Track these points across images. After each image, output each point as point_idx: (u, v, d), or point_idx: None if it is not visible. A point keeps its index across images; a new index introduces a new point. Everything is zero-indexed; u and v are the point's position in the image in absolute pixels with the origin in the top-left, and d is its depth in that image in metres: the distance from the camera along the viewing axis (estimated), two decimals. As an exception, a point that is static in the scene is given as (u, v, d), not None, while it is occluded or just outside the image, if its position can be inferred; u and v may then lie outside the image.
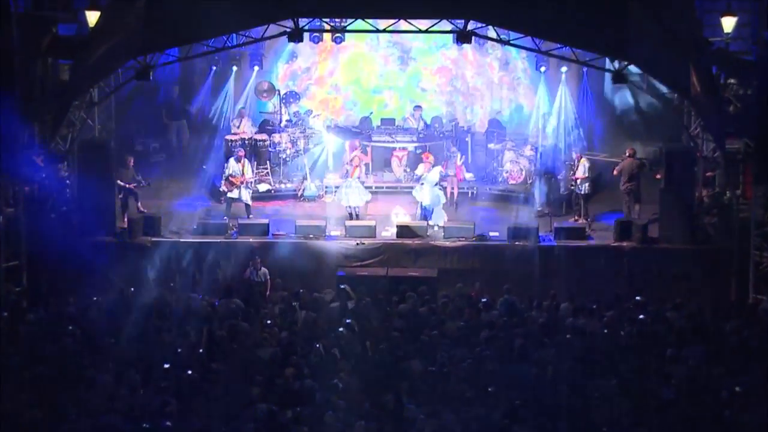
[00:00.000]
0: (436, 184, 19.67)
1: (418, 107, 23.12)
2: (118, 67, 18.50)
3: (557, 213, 20.13)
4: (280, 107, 22.96)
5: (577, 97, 22.85)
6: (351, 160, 20.42)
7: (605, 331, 14.91)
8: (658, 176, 19.46)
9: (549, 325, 15.03)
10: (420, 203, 19.76)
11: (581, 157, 20.14)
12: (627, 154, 19.59)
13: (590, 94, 22.90)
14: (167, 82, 23.25)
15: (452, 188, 20.66)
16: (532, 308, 15.95)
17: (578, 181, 19.88)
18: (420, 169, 20.16)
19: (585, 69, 21.94)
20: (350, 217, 19.67)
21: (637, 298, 16.34)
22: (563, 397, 12.44)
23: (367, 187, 20.37)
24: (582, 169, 19.84)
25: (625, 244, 18.36)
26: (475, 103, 24.16)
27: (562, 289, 16.97)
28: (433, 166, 19.99)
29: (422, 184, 19.76)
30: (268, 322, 14.98)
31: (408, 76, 24.33)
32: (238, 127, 22.30)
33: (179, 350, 13.83)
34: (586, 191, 19.89)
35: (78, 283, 16.73)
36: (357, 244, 18.54)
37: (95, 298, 16.11)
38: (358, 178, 20.12)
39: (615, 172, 19.74)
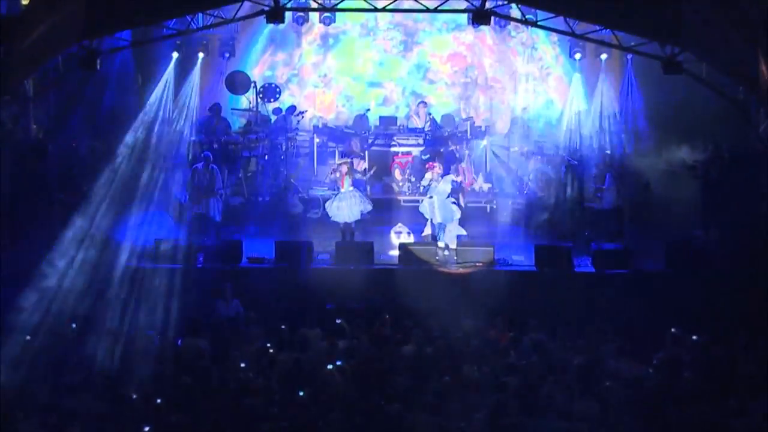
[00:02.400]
0: (448, 197, 19.67)
1: (423, 103, 23.19)
2: (57, 55, 18.54)
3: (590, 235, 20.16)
4: (257, 103, 23.04)
5: (619, 91, 22.93)
6: (335, 169, 20.34)
7: (655, 377, 14.87)
8: None
9: (586, 370, 14.96)
10: (429, 220, 19.77)
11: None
12: None
13: (635, 86, 22.97)
14: (120, 73, 23.32)
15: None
16: (565, 348, 15.90)
17: (605, 193, 19.99)
18: (427, 179, 20.13)
19: (629, 56, 22.01)
20: (342, 236, 19.68)
21: (694, 337, 16.30)
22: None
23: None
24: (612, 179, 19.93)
25: (679, 270, 18.36)
26: (495, 97, 24.25)
27: (602, 325, 16.92)
28: (443, 174, 19.99)
29: (431, 196, 19.76)
30: (242, 365, 14.94)
31: (413, 65, 24.44)
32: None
33: (133, 398, 13.78)
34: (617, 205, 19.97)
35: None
36: (351, 269, 18.53)
37: (28, 337, 16.06)
38: (354, 186, 20.00)
39: None
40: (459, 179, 20.43)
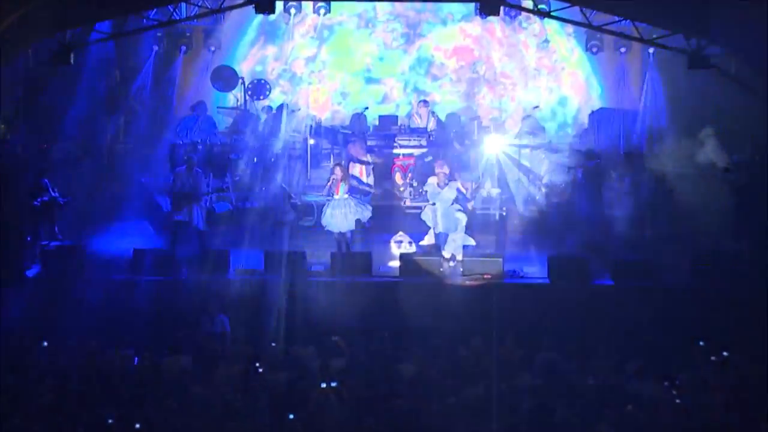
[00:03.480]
0: (452, 203, 19.59)
1: (424, 102, 23.20)
2: (27, 47, 18.57)
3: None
4: (245, 101, 23.07)
5: (640, 88, 22.98)
6: (330, 175, 20.09)
7: (678, 401, 14.87)
8: None
9: (604, 393, 14.97)
10: (431, 228, 19.77)
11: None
12: None
13: (658, 83, 23.02)
14: (96, 68, 23.35)
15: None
16: (582, 368, 15.89)
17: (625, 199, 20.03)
18: (430, 184, 19.86)
19: (651, 50, 22.05)
20: (338, 246, 19.69)
21: (724, 353, 16.30)
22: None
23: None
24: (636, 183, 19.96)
25: (706, 284, 18.38)
26: (505, 94, 24.30)
27: (622, 343, 16.94)
28: (449, 180, 19.78)
29: (434, 203, 19.75)
30: (228, 386, 14.93)
31: (415, 60, 24.49)
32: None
33: (109, 422, 13.78)
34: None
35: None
36: (347, 282, 18.53)
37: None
38: (350, 193, 19.88)
39: None
40: (464, 188, 20.22)
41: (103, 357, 16.15)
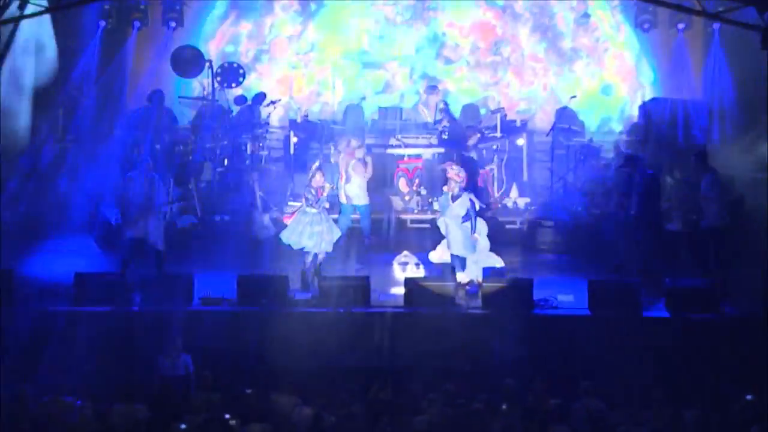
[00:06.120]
0: (465, 219, 19.23)
1: (433, 88, 23.21)
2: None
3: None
4: (213, 90, 23.13)
5: (702, 71, 23.03)
6: (311, 181, 19.81)
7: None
8: None
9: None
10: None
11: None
12: None
13: (724, 67, 23.07)
14: (26, 49, 23.42)
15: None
16: (631, 419, 15.94)
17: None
18: (445, 196, 19.46)
19: (716, 27, 22.13)
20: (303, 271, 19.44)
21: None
22: None
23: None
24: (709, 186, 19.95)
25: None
26: (535, 81, 24.36)
27: (679, 390, 16.95)
28: (462, 190, 19.43)
29: (445, 217, 19.41)
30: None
31: (424, 39, 24.56)
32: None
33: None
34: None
35: None
36: (340, 313, 18.57)
37: None
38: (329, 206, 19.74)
39: None
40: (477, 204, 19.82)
41: (37, 405, 16.19)
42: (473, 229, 19.37)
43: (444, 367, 17.70)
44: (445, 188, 19.68)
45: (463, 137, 22.30)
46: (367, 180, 20.70)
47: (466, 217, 19.29)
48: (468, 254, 19.39)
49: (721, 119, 22.89)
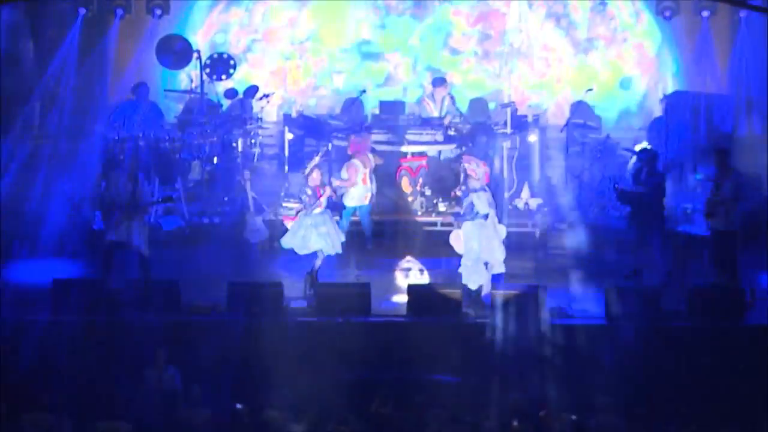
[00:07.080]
0: (462, 218, 19.11)
1: (441, 80, 23.22)
2: None
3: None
4: (201, 83, 23.18)
5: (728, 62, 23.07)
6: (307, 179, 19.77)
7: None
8: None
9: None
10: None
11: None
12: None
13: (752, 57, 23.10)
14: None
15: None
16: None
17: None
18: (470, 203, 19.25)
19: (743, 14, 22.19)
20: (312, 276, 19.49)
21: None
22: None
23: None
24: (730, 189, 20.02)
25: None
26: (547, 74, 24.40)
27: (705, 404, 16.98)
28: (479, 188, 19.29)
29: (469, 218, 19.12)
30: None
31: (428, 29, 24.62)
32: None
33: None
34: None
35: None
36: (337, 322, 18.63)
37: None
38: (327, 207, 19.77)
39: None
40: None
41: (14, 423, 16.25)
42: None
43: (448, 381, 17.81)
44: (457, 191, 19.65)
45: (471, 133, 22.32)
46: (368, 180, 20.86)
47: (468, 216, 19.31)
48: (483, 259, 19.26)
49: (748, 113, 22.91)
